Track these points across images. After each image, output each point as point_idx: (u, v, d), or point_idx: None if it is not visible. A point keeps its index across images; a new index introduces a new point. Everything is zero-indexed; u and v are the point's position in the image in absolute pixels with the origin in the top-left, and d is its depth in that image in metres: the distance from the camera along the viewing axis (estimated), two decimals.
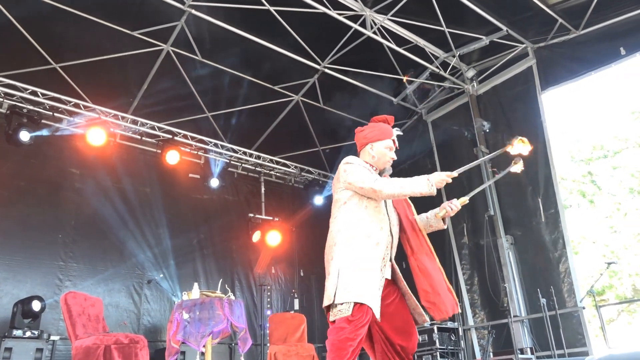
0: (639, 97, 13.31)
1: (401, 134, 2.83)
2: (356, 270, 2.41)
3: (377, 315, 2.37)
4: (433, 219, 2.76)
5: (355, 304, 2.33)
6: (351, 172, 2.59)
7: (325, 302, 2.45)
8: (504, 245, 6.81)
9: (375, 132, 2.78)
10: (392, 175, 2.76)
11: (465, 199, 2.72)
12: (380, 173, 2.74)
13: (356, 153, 2.85)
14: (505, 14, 6.58)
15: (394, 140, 2.76)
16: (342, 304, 2.35)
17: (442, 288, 2.51)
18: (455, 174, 2.60)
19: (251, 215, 8.53)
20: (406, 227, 2.68)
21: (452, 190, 5.66)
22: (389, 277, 2.57)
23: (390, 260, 2.60)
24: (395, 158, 2.79)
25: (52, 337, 5.72)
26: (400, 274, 2.65)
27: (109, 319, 6.07)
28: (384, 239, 2.54)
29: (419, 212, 2.84)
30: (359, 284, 2.37)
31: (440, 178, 2.52)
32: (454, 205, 2.68)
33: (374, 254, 2.48)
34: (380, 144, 2.74)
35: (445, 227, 2.79)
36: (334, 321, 2.39)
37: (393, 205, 2.74)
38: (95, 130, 6.84)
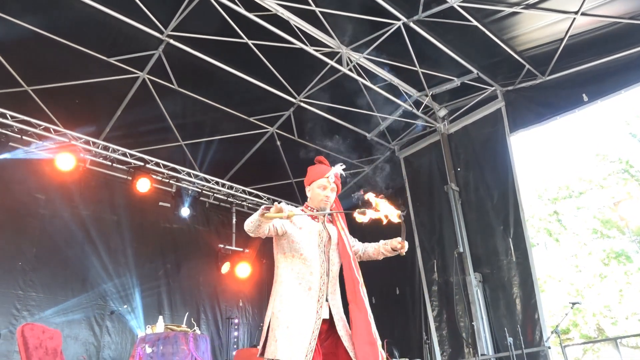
0: (602, 141, 13.88)
1: (340, 171, 2.89)
2: (286, 329, 2.47)
3: None
4: (383, 250, 2.91)
5: None
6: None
7: (260, 353, 2.56)
8: (472, 282, 6.87)
9: (310, 174, 2.93)
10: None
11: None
12: (321, 211, 2.83)
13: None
14: (476, 57, 6.84)
15: (327, 178, 2.84)
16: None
17: (362, 339, 2.55)
18: (288, 213, 2.49)
19: (221, 246, 8.41)
20: (346, 275, 2.73)
21: None
22: (327, 317, 2.62)
23: (327, 300, 2.65)
24: (329, 195, 2.84)
25: None
26: (340, 314, 2.68)
27: (67, 352, 5.82)
28: (315, 283, 2.64)
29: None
30: (283, 339, 2.44)
31: (276, 206, 2.44)
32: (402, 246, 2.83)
33: (307, 300, 2.58)
34: (314, 184, 2.87)
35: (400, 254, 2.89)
36: None
37: (337, 247, 2.80)
38: (65, 155, 6.71)
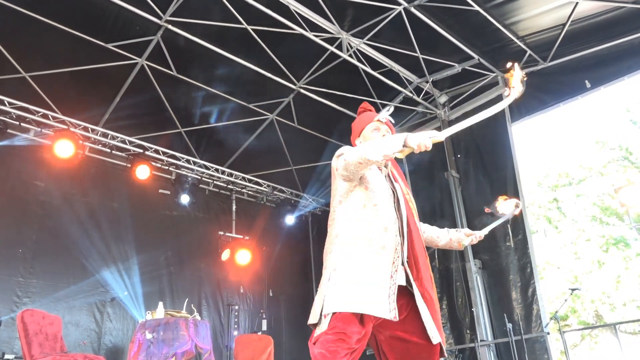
0: (602, 128, 13.85)
1: (389, 111, 2.51)
2: (355, 281, 2.02)
3: (388, 315, 1.96)
4: (455, 242, 2.63)
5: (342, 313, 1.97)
6: (340, 157, 2.21)
7: (311, 320, 2.06)
8: (472, 269, 6.89)
9: (357, 125, 2.55)
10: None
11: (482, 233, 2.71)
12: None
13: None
14: (477, 43, 6.78)
15: (379, 120, 2.44)
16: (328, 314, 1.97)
17: (439, 322, 2.15)
18: (441, 136, 2.02)
19: (221, 233, 8.40)
20: (415, 239, 2.24)
21: None
22: (403, 284, 2.13)
23: (403, 264, 2.16)
24: (386, 135, 2.44)
25: (6, 356, 5.46)
26: (426, 286, 2.20)
27: (69, 338, 5.84)
28: (390, 242, 2.13)
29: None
30: (357, 294, 1.99)
31: (421, 139, 1.96)
32: (478, 236, 2.65)
33: (380, 260, 2.07)
34: (365, 131, 2.47)
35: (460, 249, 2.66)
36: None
37: (405, 205, 2.31)
38: (63, 142, 6.66)
